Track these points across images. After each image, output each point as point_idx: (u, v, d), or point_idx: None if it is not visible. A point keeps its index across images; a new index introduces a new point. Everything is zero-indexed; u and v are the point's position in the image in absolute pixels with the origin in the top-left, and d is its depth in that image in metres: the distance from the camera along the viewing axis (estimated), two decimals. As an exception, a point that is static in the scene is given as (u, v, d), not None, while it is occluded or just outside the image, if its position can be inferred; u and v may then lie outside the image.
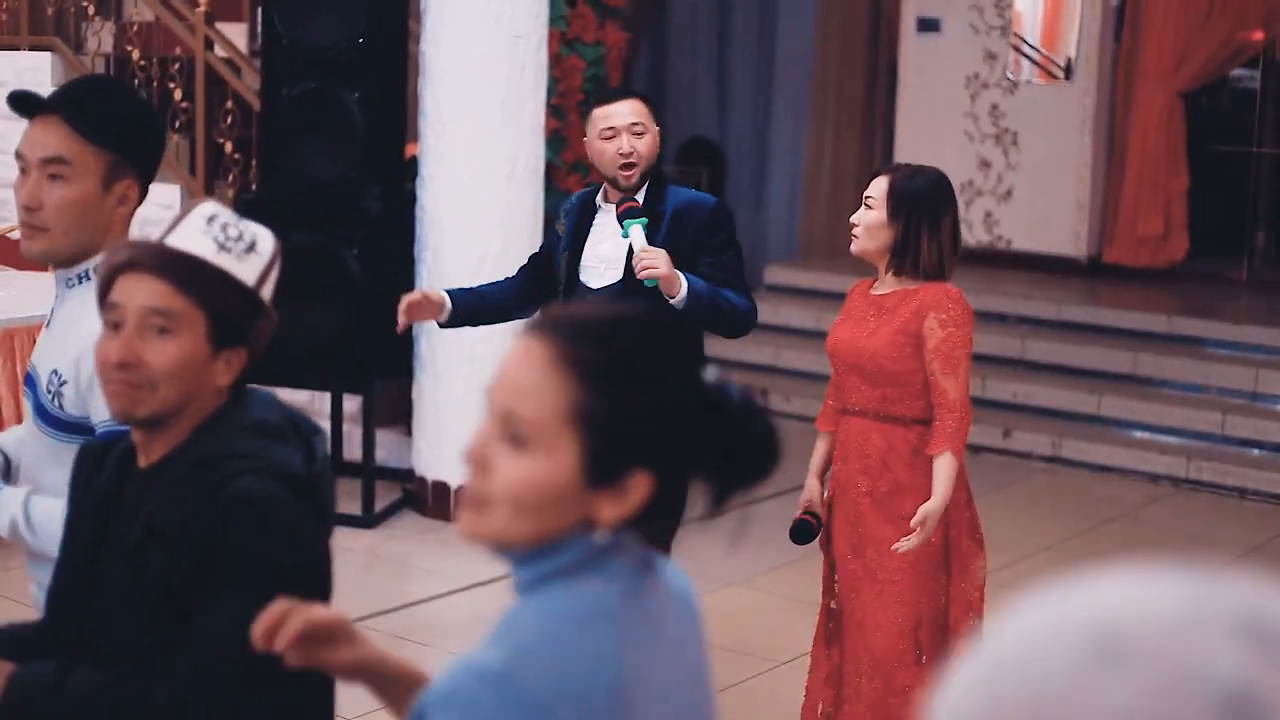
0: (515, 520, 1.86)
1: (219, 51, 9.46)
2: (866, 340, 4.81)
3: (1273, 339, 10.05)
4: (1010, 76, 12.08)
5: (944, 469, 4.63)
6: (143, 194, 3.27)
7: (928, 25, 12.34)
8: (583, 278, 5.24)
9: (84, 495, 2.69)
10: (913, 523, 4.56)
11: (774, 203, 13.19)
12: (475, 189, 7.74)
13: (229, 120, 9.27)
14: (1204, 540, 8.14)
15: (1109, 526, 8.33)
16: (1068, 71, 11.96)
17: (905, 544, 4.56)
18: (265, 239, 2.61)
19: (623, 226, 5.05)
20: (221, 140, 9.30)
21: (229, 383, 2.60)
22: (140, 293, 2.52)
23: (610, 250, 5.17)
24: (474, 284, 5.61)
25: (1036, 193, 11.95)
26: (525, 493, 1.84)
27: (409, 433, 8.30)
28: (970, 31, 12.19)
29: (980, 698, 0.91)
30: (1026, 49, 12.09)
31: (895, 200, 4.80)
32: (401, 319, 5.03)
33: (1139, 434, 9.60)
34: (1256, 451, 9.27)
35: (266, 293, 2.61)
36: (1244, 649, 0.85)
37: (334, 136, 7.68)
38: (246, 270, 2.57)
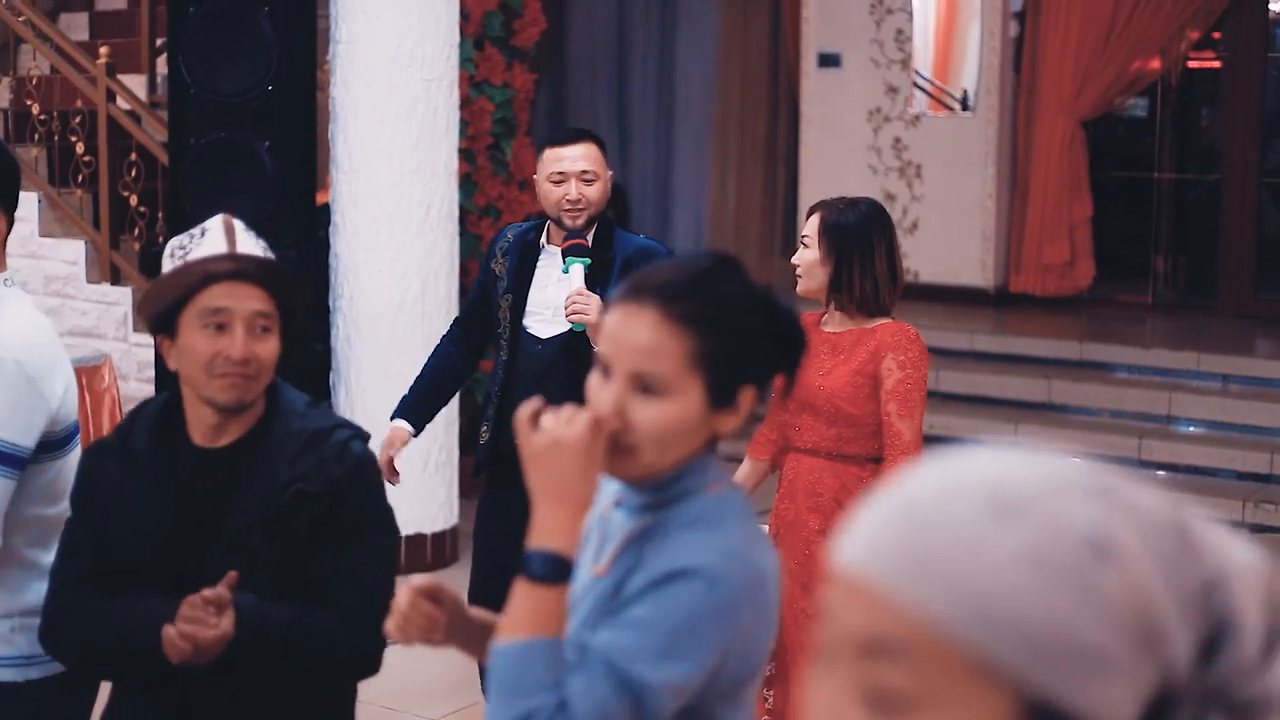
0: (659, 456, 2.25)
1: (121, 103, 9.31)
2: (823, 380, 4.76)
3: (1182, 362, 10.12)
4: (912, 110, 12.14)
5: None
6: (10, 222, 3.47)
7: (828, 60, 12.37)
8: (527, 324, 5.15)
9: (115, 486, 3.05)
10: None
11: (679, 241, 13.15)
12: (390, 234, 7.65)
13: (133, 173, 9.12)
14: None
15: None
16: (964, 103, 12.02)
17: None
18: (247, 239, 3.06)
19: (565, 262, 4.99)
20: (126, 194, 9.14)
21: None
22: (247, 299, 2.98)
23: (556, 295, 5.08)
24: (401, 364, 5.53)
25: (942, 224, 11.99)
26: (667, 432, 2.24)
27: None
28: (871, 66, 12.24)
29: (900, 544, 1.13)
30: (927, 82, 12.15)
31: (828, 236, 4.78)
32: (393, 479, 5.00)
33: (1057, 461, 9.61)
34: (1174, 475, 9.32)
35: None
36: (1097, 503, 1.13)
37: (245, 186, 7.55)
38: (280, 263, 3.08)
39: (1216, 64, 12.29)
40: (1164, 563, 1.13)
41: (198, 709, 3.03)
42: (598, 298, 4.85)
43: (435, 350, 5.44)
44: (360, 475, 3.04)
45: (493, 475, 5.25)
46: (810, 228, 4.82)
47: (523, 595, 2.17)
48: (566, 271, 4.96)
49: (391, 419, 5.26)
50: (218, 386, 3.01)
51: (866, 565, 1.14)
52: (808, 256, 4.81)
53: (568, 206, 5.07)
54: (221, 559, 2.96)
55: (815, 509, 4.75)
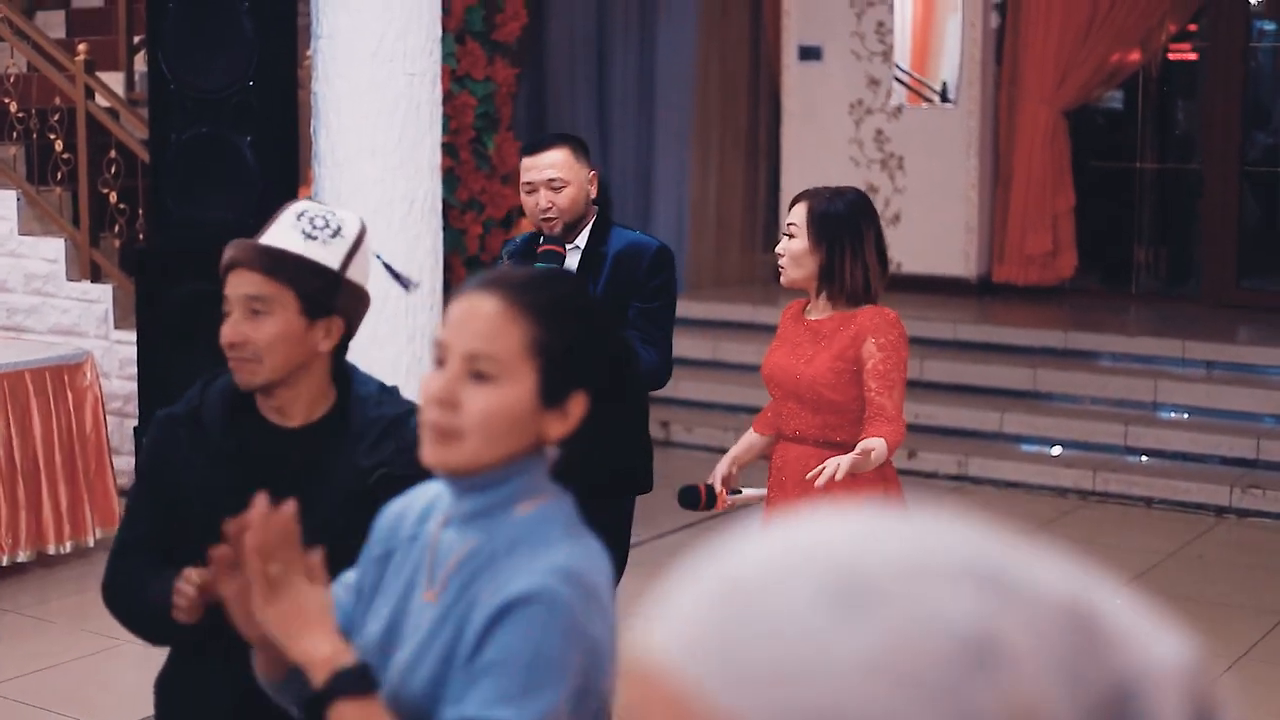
0: (485, 445, 2.24)
1: (100, 100, 9.27)
2: (805, 368, 4.75)
3: (1167, 349, 10.13)
4: (894, 102, 12.13)
5: (877, 449, 4.52)
6: None
7: (809, 53, 12.36)
8: None
9: (185, 457, 3.12)
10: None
11: (660, 235, 13.02)
12: (373, 230, 7.59)
13: (113, 170, 9.08)
14: (1119, 550, 8.16)
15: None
16: (944, 95, 12.02)
17: (818, 474, 4.46)
18: (351, 223, 3.16)
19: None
20: (106, 191, 9.10)
21: (331, 347, 3.09)
22: (240, 284, 3.05)
23: None
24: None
25: (925, 216, 11.99)
26: (495, 420, 2.24)
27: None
28: (852, 58, 12.23)
29: (717, 637, 0.89)
30: (906, 74, 12.14)
31: (817, 226, 4.76)
32: None
33: (1043, 449, 9.63)
34: (1160, 461, 9.33)
35: (356, 268, 3.11)
36: (976, 589, 0.87)
37: (227, 182, 7.52)
38: (330, 252, 3.06)
39: (1196, 55, 12.32)
40: (1062, 668, 0.87)
41: (247, 680, 3.07)
42: None
43: None
44: None
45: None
46: (797, 216, 4.80)
47: (345, 715, 2.20)
48: None
49: None
50: (232, 372, 3.11)
51: (675, 661, 0.90)
52: (795, 246, 4.79)
53: (541, 216, 5.08)
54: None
55: (804, 497, 4.73)
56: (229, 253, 3.09)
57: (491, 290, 2.28)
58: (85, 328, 9.03)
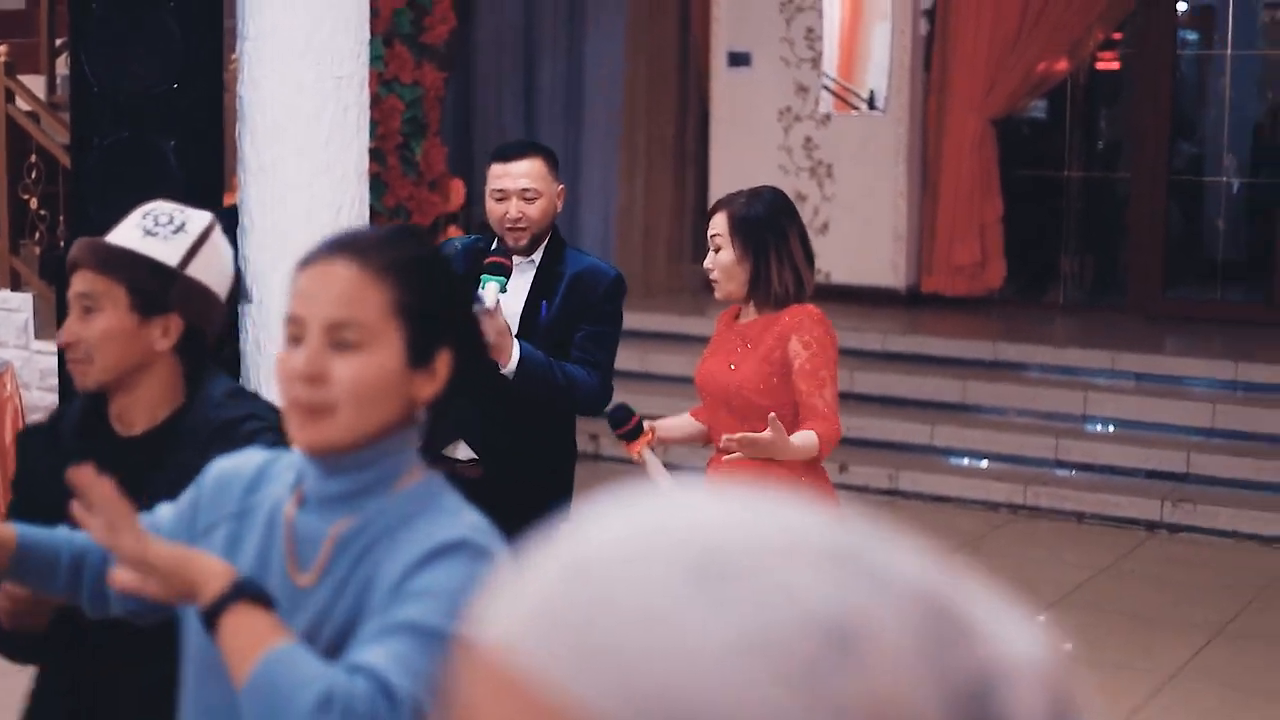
0: (360, 416, 2.17)
1: (20, 104, 9.08)
2: (732, 374, 4.68)
3: (1096, 361, 10.12)
4: (823, 109, 12.07)
5: (804, 437, 4.47)
6: None
7: (738, 59, 12.28)
8: None
9: (44, 469, 2.99)
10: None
11: (587, 242, 12.99)
12: (301, 236, 7.42)
13: (33, 175, 8.89)
14: (1051, 565, 8.13)
15: (954, 558, 8.26)
16: (871, 102, 11.97)
17: (737, 437, 4.38)
18: (197, 221, 3.03)
19: (480, 280, 4.88)
20: (26, 197, 8.92)
21: (170, 347, 2.98)
22: (75, 283, 2.97)
23: (504, 309, 4.96)
24: None
25: (853, 225, 11.92)
26: (367, 387, 2.17)
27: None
28: (781, 65, 12.15)
29: (565, 624, 0.83)
30: (837, 81, 12.09)
31: (740, 232, 4.69)
32: None
33: (974, 463, 9.58)
34: (1090, 475, 9.30)
35: (198, 266, 2.99)
36: (838, 572, 0.84)
37: (150, 187, 7.29)
38: (170, 248, 2.97)
39: (1119, 65, 12.34)
40: (923, 656, 0.83)
41: (99, 698, 3.02)
42: (501, 318, 4.74)
43: None
44: None
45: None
46: (719, 226, 4.73)
47: (243, 620, 2.13)
48: (482, 288, 4.85)
49: None
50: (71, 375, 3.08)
51: (517, 650, 0.84)
52: (723, 259, 4.71)
53: (509, 225, 4.97)
54: None
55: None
56: (70, 253, 3.03)
57: (342, 254, 2.21)
58: (5, 337, 8.87)
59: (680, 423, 5.00)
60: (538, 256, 5.03)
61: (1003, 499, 9.20)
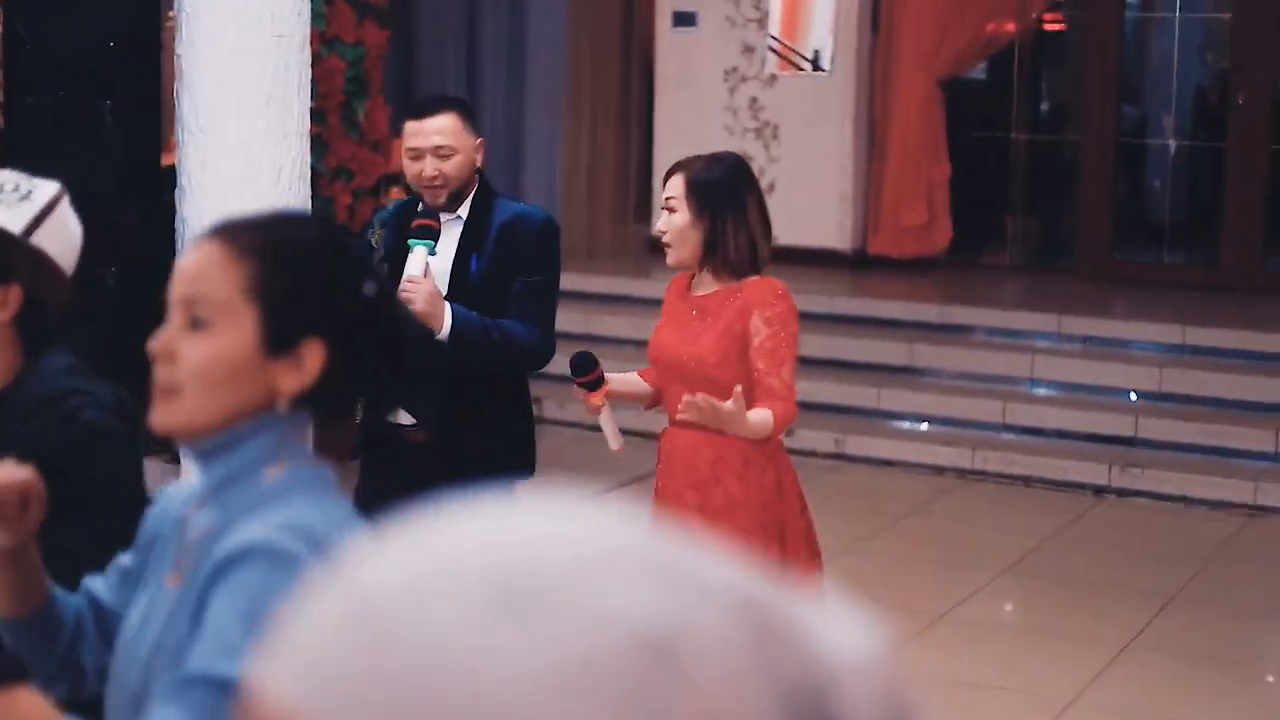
0: (205, 400, 2.09)
1: (-49, 60, 8.91)
2: (690, 347, 4.58)
3: (1043, 324, 10.09)
4: (769, 70, 11.96)
5: (760, 415, 4.39)
6: None
7: (684, 19, 12.16)
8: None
9: None
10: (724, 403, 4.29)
11: (530, 204, 12.91)
12: (240, 198, 7.30)
13: (-35, 133, 8.72)
14: (1000, 531, 8.09)
15: (903, 523, 8.23)
16: (815, 63, 11.88)
17: (691, 403, 4.28)
18: (43, 190, 2.93)
19: (409, 245, 4.78)
20: (-43, 155, 8.75)
21: (10, 318, 2.87)
22: None
23: (434, 268, 4.86)
24: None
25: (799, 186, 11.83)
26: (212, 367, 2.08)
27: (176, 460, 7.86)
28: (727, 25, 12.04)
29: (354, 667, 0.77)
30: (783, 42, 11.98)
31: (697, 196, 4.59)
32: None
33: (920, 426, 9.53)
34: (1037, 439, 9.26)
35: (43, 235, 2.88)
36: (655, 584, 0.79)
37: (87, 148, 7.23)
38: (13, 215, 2.86)
39: (1067, 27, 12.29)
40: (750, 664, 0.79)
41: None
42: (431, 284, 4.65)
43: None
44: (85, 447, 2.84)
45: (367, 459, 5.02)
46: (674, 189, 4.63)
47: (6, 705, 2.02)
48: (411, 252, 4.75)
49: None
50: None
51: (298, 702, 0.77)
52: (676, 221, 4.61)
53: (425, 184, 4.86)
54: None
55: (692, 484, 4.58)
56: None
57: (214, 236, 2.15)
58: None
59: (628, 378, 4.91)
60: (464, 211, 4.92)
61: (949, 463, 9.15)
